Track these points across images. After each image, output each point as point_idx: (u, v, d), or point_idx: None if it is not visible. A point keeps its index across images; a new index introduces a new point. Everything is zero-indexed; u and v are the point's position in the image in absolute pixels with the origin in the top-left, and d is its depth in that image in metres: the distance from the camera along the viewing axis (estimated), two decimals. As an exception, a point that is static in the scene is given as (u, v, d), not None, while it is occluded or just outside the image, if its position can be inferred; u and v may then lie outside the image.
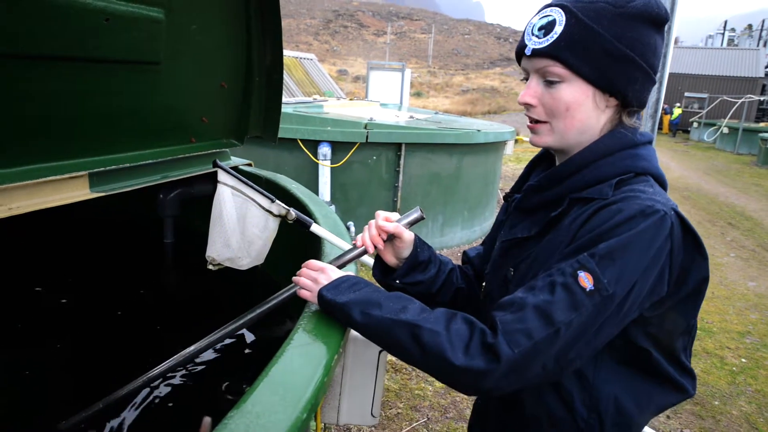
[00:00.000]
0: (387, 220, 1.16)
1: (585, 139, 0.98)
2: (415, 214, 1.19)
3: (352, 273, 1.08)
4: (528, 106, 0.99)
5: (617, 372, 0.97)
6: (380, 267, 1.23)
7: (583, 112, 0.95)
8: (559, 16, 0.93)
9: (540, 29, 0.94)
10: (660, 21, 0.94)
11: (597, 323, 0.85)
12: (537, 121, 1.00)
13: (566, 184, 0.98)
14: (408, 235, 1.17)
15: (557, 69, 0.93)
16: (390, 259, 1.20)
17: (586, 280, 0.84)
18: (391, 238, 1.17)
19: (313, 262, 1.11)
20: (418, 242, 1.20)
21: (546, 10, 0.96)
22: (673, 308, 0.93)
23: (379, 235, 1.16)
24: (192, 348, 1.19)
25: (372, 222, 1.18)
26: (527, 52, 0.96)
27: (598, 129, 0.98)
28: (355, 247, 1.19)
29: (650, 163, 0.97)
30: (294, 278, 1.12)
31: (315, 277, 1.06)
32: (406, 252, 1.18)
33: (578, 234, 0.91)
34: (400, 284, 1.18)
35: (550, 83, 0.95)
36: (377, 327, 0.93)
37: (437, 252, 1.25)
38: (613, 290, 0.83)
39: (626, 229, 0.85)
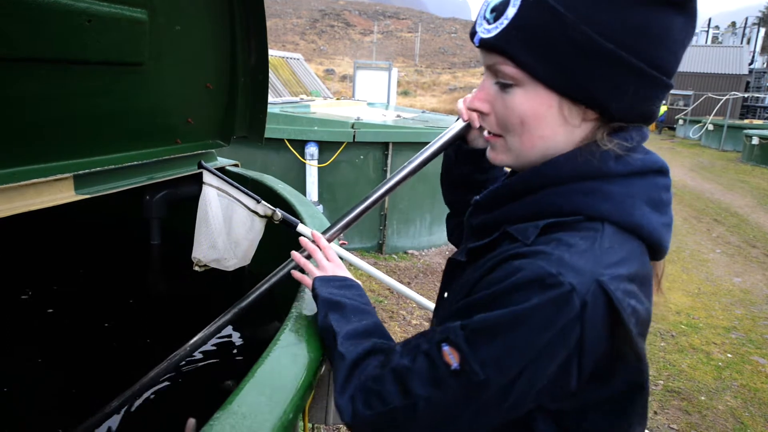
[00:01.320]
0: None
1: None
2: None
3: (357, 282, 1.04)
4: (480, 114, 0.78)
5: None
6: (466, 148, 1.05)
7: (544, 127, 0.71)
8: None
9: (492, 11, 0.70)
10: None
11: (470, 408, 0.65)
12: (492, 134, 0.78)
13: (504, 209, 0.76)
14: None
15: (508, 68, 0.70)
16: (479, 141, 1.02)
17: (451, 356, 0.65)
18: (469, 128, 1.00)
19: (329, 250, 1.09)
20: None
21: None
22: (595, 408, 0.68)
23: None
24: (189, 343, 1.17)
25: (468, 96, 0.92)
26: (475, 41, 0.73)
27: (569, 149, 0.73)
28: (453, 126, 1.01)
29: (618, 207, 0.68)
30: (296, 255, 1.11)
31: (325, 266, 1.04)
32: (481, 140, 1.00)
33: (477, 286, 0.71)
34: (479, 160, 1.02)
35: (503, 86, 0.72)
36: (322, 331, 0.92)
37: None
38: (487, 376, 0.62)
39: (516, 300, 0.62)
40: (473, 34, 0.73)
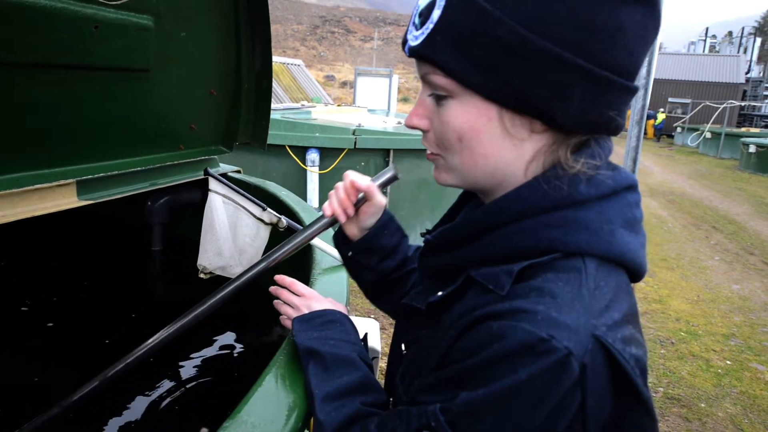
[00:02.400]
0: (357, 177, 0.92)
1: (503, 181, 0.65)
2: (389, 173, 0.93)
3: (339, 307, 0.96)
4: (421, 131, 0.69)
5: None
6: (342, 233, 0.99)
7: (485, 142, 0.62)
8: None
9: (420, 15, 0.62)
10: None
11: None
12: (432, 152, 0.69)
13: (463, 251, 0.66)
14: (380, 199, 0.91)
15: (438, 78, 0.62)
16: (351, 229, 0.96)
17: None
18: (360, 202, 0.92)
19: (296, 284, 1.00)
20: (388, 222, 0.95)
21: None
22: None
23: (348, 198, 0.91)
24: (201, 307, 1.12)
25: (340, 184, 0.91)
26: (405, 50, 0.65)
27: (521, 167, 0.64)
28: (322, 217, 0.95)
29: (595, 236, 0.59)
30: (275, 302, 1.02)
31: (297, 303, 0.95)
32: (372, 220, 0.93)
33: (450, 353, 0.60)
34: (352, 258, 0.97)
35: (438, 98, 0.64)
36: (306, 384, 0.79)
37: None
38: None
39: (503, 372, 0.52)
40: (404, 42, 0.65)
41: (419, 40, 0.61)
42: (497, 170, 0.64)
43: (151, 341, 1.10)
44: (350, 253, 0.97)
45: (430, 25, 0.60)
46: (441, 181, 0.70)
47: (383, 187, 0.93)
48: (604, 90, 0.58)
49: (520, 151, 0.63)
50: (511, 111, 0.60)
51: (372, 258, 0.95)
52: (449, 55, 0.59)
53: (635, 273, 0.64)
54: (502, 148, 0.62)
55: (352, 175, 0.91)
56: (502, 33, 0.56)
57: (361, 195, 0.92)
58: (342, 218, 0.92)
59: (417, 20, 0.62)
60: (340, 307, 0.96)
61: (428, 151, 0.70)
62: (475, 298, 0.62)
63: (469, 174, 0.66)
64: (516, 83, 0.57)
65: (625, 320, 0.58)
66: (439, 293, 0.67)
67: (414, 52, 0.63)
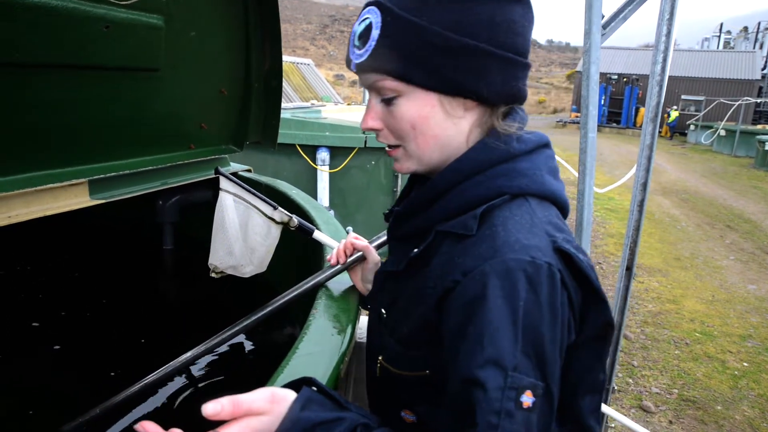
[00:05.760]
0: (357, 239, 1.16)
1: (450, 154, 0.80)
2: (384, 237, 1.16)
3: (281, 401, 0.69)
4: (375, 132, 0.83)
5: None
6: (360, 293, 1.22)
7: (433, 126, 0.78)
8: (375, 17, 0.75)
9: (360, 38, 0.77)
10: None
11: (551, 419, 0.65)
12: (391, 146, 0.84)
13: (429, 212, 0.80)
14: (374, 257, 1.14)
15: (387, 83, 0.76)
16: (358, 283, 1.19)
17: (524, 398, 0.62)
18: (362, 259, 1.16)
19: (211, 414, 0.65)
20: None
21: (364, 11, 0.78)
22: (570, 356, 0.71)
23: (345, 251, 1.16)
24: (188, 354, 1.17)
25: (344, 240, 1.18)
26: (352, 68, 0.80)
27: (463, 140, 0.79)
28: (329, 266, 1.20)
29: (531, 180, 0.76)
30: None
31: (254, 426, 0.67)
32: (371, 275, 1.14)
33: (449, 316, 0.69)
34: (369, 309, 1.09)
35: (387, 101, 0.78)
36: None
37: None
38: (546, 381, 0.63)
39: (516, 298, 0.63)
40: (349, 62, 0.81)
41: (364, 57, 0.76)
42: (445, 146, 0.80)
43: (185, 357, 1.20)
44: (368, 306, 1.12)
45: (372, 43, 0.75)
46: (403, 170, 0.84)
47: (378, 248, 1.15)
48: (512, 67, 0.76)
49: (460, 127, 0.79)
50: (448, 96, 0.76)
51: None
52: (393, 62, 0.74)
53: (563, 208, 0.81)
54: (446, 127, 0.78)
55: (352, 237, 1.16)
56: (430, 37, 0.72)
57: (359, 254, 1.15)
58: (333, 262, 1.17)
59: (357, 42, 0.78)
60: (283, 399, 0.70)
61: (387, 147, 0.84)
62: (451, 248, 0.74)
63: (424, 155, 0.81)
64: (448, 74, 0.74)
65: (570, 236, 0.74)
66: (415, 250, 0.80)
67: (363, 67, 0.78)
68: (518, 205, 0.74)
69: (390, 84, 0.76)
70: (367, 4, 0.78)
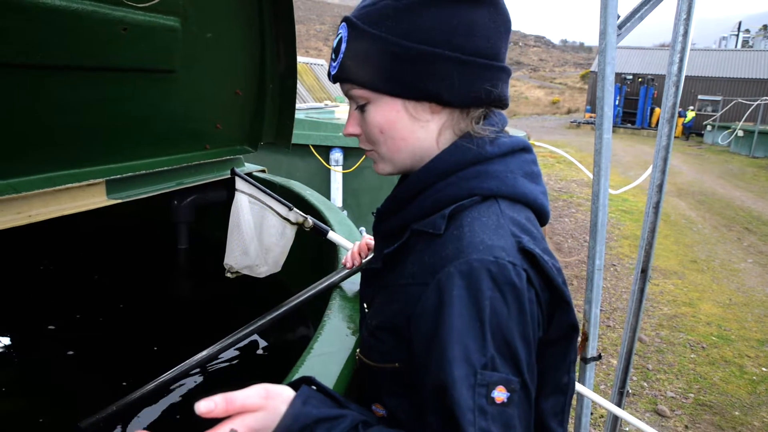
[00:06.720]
0: (371, 240, 1.18)
1: (422, 156, 0.83)
2: None
3: (276, 397, 0.69)
4: (356, 137, 0.88)
5: None
6: None
7: (400, 130, 0.81)
8: (344, 32, 0.81)
9: (334, 51, 0.84)
10: None
11: (529, 416, 0.67)
12: (368, 150, 0.88)
13: (407, 211, 0.82)
14: None
15: (356, 91, 0.82)
16: None
17: (497, 393, 0.63)
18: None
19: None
20: None
21: (339, 27, 0.84)
22: (543, 352, 0.73)
23: (360, 253, 1.20)
24: (202, 354, 1.19)
25: (358, 242, 1.21)
26: (330, 78, 0.86)
27: (433, 142, 0.82)
28: (344, 267, 1.23)
29: (502, 182, 0.77)
30: None
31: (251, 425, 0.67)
32: None
33: (418, 321, 0.70)
34: None
35: (361, 108, 0.83)
36: None
37: None
38: (522, 377, 0.66)
39: (480, 298, 0.65)
40: (329, 74, 0.86)
41: (337, 68, 0.82)
42: (416, 149, 0.82)
43: (199, 356, 1.22)
44: None
45: (341, 56, 0.80)
46: (380, 171, 0.88)
47: None
48: (474, 70, 0.77)
49: (428, 130, 0.81)
50: (411, 101, 0.79)
51: None
52: (359, 73, 0.79)
53: (540, 213, 0.82)
54: (413, 130, 0.81)
55: (367, 238, 1.19)
56: (389, 46, 0.76)
57: (372, 255, 1.14)
58: (348, 265, 1.21)
59: (333, 55, 0.84)
60: (278, 395, 0.70)
61: (366, 150, 0.88)
62: (424, 246, 0.76)
63: (396, 158, 0.84)
64: (408, 79, 0.77)
65: (541, 239, 0.77)
66: (392, 247, 0.82)
67: (337, 77, 0.83)
68: (487, 207, 0.75)
69: (358, 92, 0.81)
70: (342, 21, 0.83)
